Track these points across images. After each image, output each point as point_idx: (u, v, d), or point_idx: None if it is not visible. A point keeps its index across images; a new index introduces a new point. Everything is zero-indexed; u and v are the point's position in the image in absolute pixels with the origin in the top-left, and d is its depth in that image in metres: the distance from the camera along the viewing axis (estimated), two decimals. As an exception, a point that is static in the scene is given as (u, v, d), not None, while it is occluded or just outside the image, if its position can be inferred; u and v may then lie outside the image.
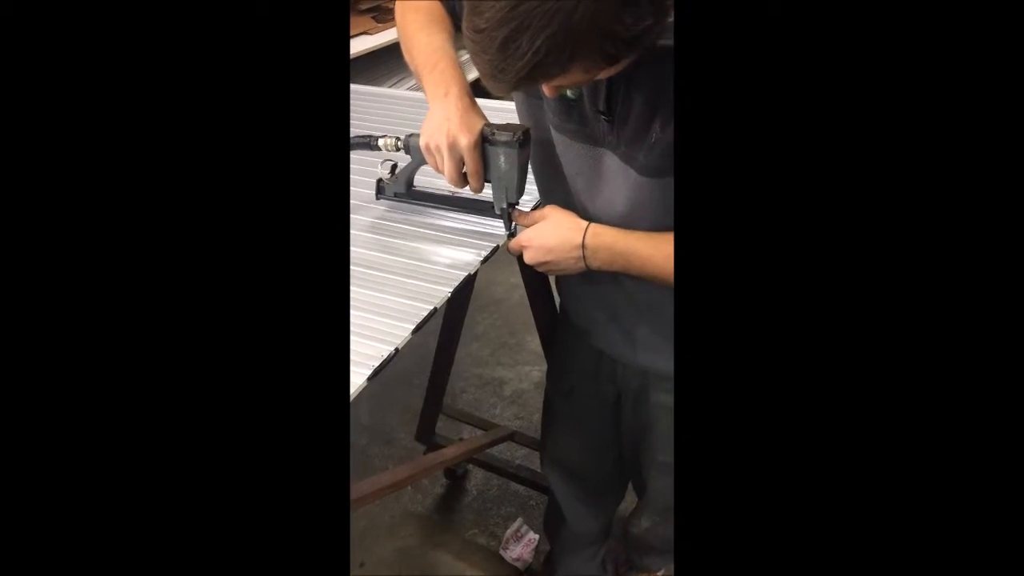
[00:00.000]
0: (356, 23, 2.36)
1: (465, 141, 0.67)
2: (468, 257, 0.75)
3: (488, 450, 1.29)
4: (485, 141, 0.68)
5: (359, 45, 2.24)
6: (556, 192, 0.73)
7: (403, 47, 0.76)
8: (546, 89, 0.58)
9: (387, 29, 2.33)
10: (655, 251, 0.66)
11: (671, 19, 0.50)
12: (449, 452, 1.03)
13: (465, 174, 0.70)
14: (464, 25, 0.50)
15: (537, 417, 1.56)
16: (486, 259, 0.75)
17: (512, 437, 1.21)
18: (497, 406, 1.59)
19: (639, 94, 0.59)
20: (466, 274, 0.72)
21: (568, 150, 0.68)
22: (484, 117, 0.70)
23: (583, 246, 0.69)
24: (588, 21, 0.46)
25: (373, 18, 2.42)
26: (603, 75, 0.54)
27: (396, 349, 0.62)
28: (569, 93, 0.63)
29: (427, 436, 1.32)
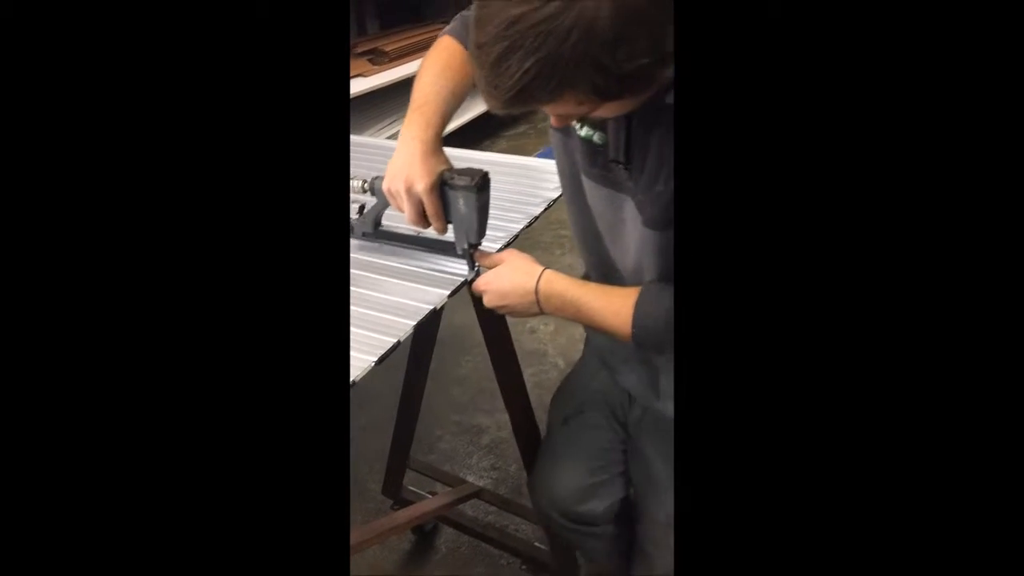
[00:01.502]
0: (351, 66, 2.41)
1: (421, 185, 0.70)
2: (406, 321, 0.72)
3: (459, 507, 1.24)
4: (445, 185, 0.71)
5: (353, 87, 2.27)
6: (589, 233, 0.74)
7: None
8: (552, 119, 0.59)
9: (381, 72, 2.37)
10: (604, 305, 0.68)
11: None
12: (403, 515, 0.98)
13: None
14: (470, 39, 0.51)
15: (514, 468, 1.51)
16: (420, 323, 0.72)
17: (479, 495, 1.17)
18: (473, 455, 1.54)
19: (654, 146, 0.60)
20: (396, 340, 0.69)
21: (594, 193, 0.70)
22: (446, 162, 0.73)
23: (536, 291, 0.70)
24: (579, 50, 0.46)
25: (369, 60, 2.46)
26: (601, 113, 0.55)
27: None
28: (596, 139, 0.64)
29: (394, 491, 1.28)
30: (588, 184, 0.70)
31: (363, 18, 2.63)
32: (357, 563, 1.31)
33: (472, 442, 1.58)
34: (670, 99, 0.55)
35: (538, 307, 0.71)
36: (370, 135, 2.34)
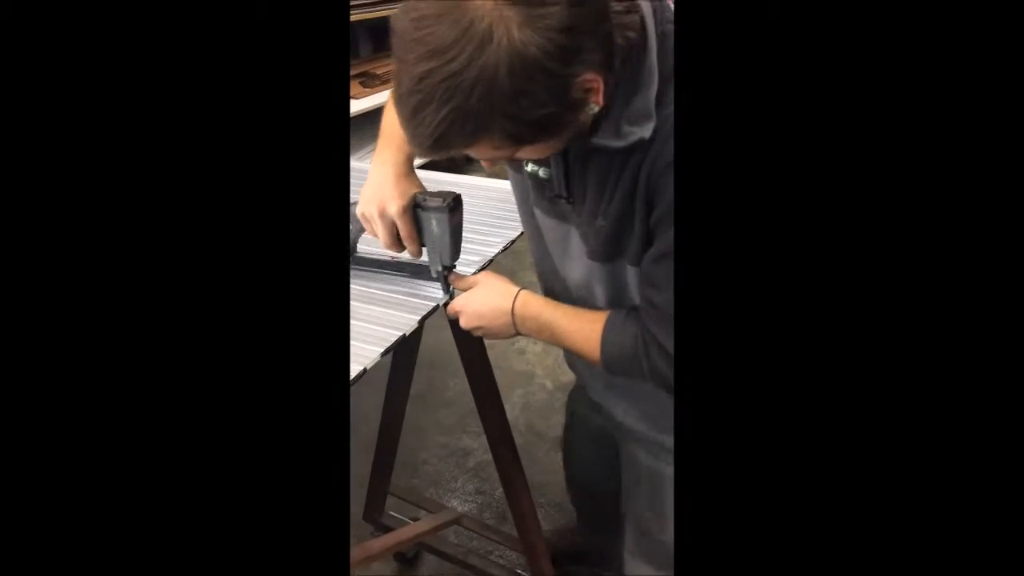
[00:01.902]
0: (343, 88, 2.43)
1: (394, 208, 0.71)
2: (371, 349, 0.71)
3: (442, 533, 1.22)
4: (417, 207, 0.72)
5: (344, 109, 2.29)
6: (547, 259, 0.76)
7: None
8: (482, 162, 0.60)
9: (372, 95, 2.40)
10: (576, 329, 0.69)
11: (593, 111, 0.54)
12: (378, 544, 0.96)
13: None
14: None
15: (499, 493, 1.49)
16: (388, 350, 0.72)
17: (459, 521, 1.15)
18: (459, 479, 1.52)
19: (590, 183, 0.63)
20: (362, 368, 0.68)
21: (545, 223, 0.72)
22: (419, 185, 0.74)
23: (512, 313, 0.71)
24: (485, 103, 0.48)
25: (361, 83, 2.49)
26: (526, 153, 0.57)
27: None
28: (541, 173, 0.67)
29: (375, 516, 1.26)
30: (539, 215, 0.73)
31: (355, 42, 2.66)
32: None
33: (458, 465, 1.56)
34: (597, 140, 0.57)
35: (514, 328, 0.72)
36: (359, 158, 2.35)
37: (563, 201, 0.66)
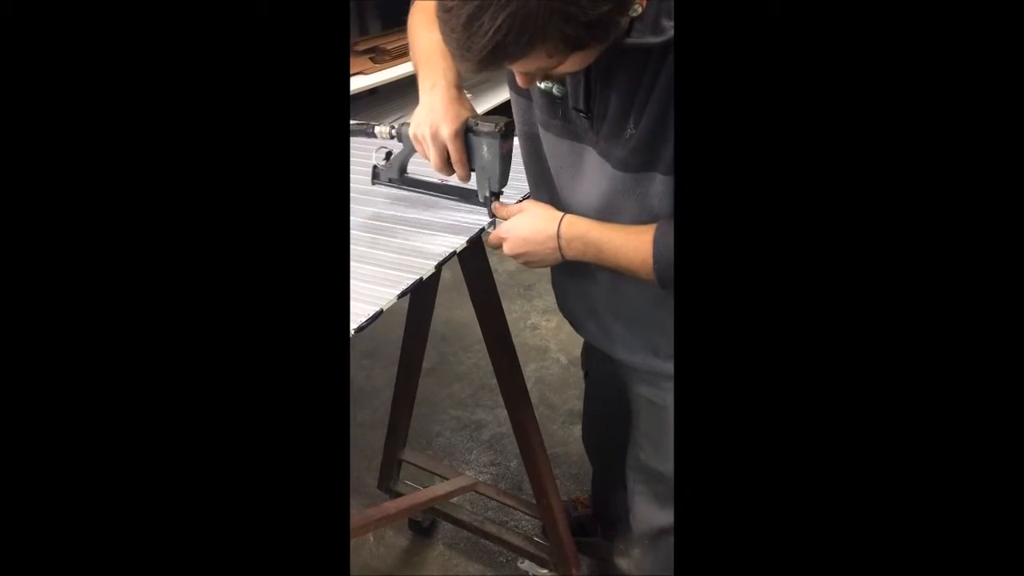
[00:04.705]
0: (353, 63, 2.40)
1: (447, 131, 0.71)
2: (439, 248, 0.76)
3: (457, 502, 1.21)
4: (469, 131, 0.72)
5: (354, 84, 2.26)
6: (543, 187, 0.77)
7: (409, 45, 0.81)
8: (519, 79, 0.61)
9: (384, 69, 2.37)
10: (626, 242, 0.68)
11: (636, 13, 0.54)
12: (392, 507, 0.95)
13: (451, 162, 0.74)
14: (436, 5, 0.53)
15: (514, 464, 1.47)
16: (455, 253, 0.76)
17: (475, 488, 1.13)
18: (472, 451, 1.51)
19: (615, 92, 0.62)
20: (435, 263, 0.73)
21: (554, 146, 0.71)
22: (471, 109, 0.74)
23: (558, 236, 0.71)
24: (545, 3, 0.48)
25: (371, 59, 2.45)
26: (569, 65, 0.56)
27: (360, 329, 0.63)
28: (555, 91, 0.66)
29: (389, 485, 1.24)
30: (547, 137, 0.72)
31: (364, 19, 2.63)
32: (352, 559, 1.27)
33: (472, 437, 1.54)
34: (632, 40, 0.57)
35: (560, 253, 0.71)
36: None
37: (581, 116, 0.65)
